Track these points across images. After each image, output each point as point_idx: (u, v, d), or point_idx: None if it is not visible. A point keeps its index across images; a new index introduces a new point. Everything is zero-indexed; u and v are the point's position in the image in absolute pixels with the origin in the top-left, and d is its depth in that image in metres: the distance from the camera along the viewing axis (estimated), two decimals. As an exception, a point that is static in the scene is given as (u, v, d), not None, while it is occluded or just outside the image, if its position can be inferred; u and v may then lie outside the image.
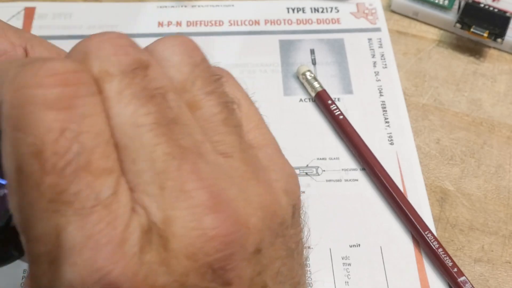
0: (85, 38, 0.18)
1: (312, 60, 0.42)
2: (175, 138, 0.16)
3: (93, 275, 0.15)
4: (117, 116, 0.16)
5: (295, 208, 0.20)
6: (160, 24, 0.43)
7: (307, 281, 0.21)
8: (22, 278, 0.32)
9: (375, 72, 0.41)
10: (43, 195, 0.15)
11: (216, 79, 0.19)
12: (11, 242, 0.18)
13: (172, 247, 0.15)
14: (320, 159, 0.37)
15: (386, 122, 0.39)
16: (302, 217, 0.21)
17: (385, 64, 0.41)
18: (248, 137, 0.20)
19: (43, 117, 0.15)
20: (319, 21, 0.44)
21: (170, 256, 0.15)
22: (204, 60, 0.19)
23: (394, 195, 0.34)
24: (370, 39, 0.43)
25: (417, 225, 0.33)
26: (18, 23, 0.42)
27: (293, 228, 0.19)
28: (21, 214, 0.16)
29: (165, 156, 0.16)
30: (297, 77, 0.40)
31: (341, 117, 0.37)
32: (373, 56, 0.42)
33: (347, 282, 0.32)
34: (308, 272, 0.21)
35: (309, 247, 0.21)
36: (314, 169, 0.36)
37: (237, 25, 0.44)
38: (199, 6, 0.45)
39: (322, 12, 0.44)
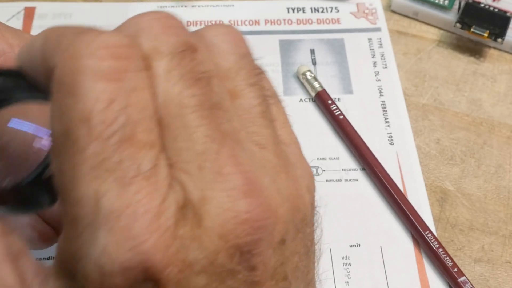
0: (137, 15, 0.18)
1: (312, 60, 0.42)
2: (217, 122, 0.17)
3: (127, 243, 0.15)
4: (163, 94, 0.17)
5: (313, 207, 0.21)
6: (160, 24, 0.43)
7: (316, 281, 0.21)
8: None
9: (375, 72, 0.41)
10: (87, 160, 0.15)
11: (258, 72, 0.20)
12: (45, 190, 0.19)
13: (205, 225, 0.16)
14: (320, 159, 0.37)
15: (386, 122, 0.39)
16: (316, 218, 0.21)
17: (385, 64, 0.41)
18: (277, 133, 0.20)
19: (93, 86, 0.16)
20: (319, 21, 0.44)
21: (203, 234, 0.16)
22: (249, 53, 0.20)
23: (394, 195, 0.34)
24: (370, 39, 0.43)
25: (417, 225, 0.33)
26: (18, 23, 0.42)
27: (310, 227, 0.20)
28: (62, 177, 0.16)
29: (206, 138, 0.17)
30: (297, 77, 0.40)
31: (341, 117, 0.37)
32: (373, 56, 0.42)
33: (347, 282, 0.32)
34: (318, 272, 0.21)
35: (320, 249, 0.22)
36: (314, 169, 0.36)
37: (237, 25, 0.44)
38: (199, 6, 0.45)
39: (322, 12, 0.44)
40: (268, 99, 0.20)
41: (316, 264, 0.21)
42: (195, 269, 0.16)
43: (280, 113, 0.21)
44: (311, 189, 0.20)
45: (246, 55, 0.20)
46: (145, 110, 0.16)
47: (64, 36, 0.17)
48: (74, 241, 0.16)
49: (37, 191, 0.20)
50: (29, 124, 0.21)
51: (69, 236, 0.16)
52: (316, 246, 0.21)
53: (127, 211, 0.15)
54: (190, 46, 0.18)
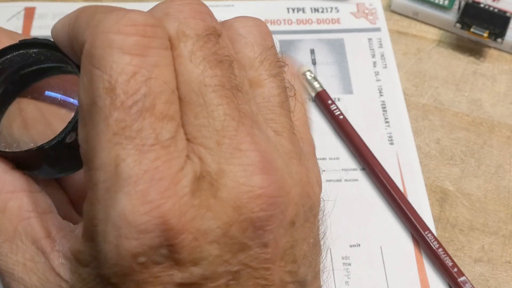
0: (168, 0, 0.19)
1: (312, 60, 0.42)
2: (236, 103, 0.18)
3: (144, 206, 0.16)
4: (187, 73, 0.18)
5: (320, 201, 0.21)
6: (160, 24, 0.43)
7: (321, 276, 0.22)
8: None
9: (375, 72, 0.41)
10: (110, 127, 0.17)
11: (281, 65, 0.21)
12: (69, 155, 0.21)
13: (221, 196, 0.17)
14: (320, 159, 0.37)
15: (386, 122, 0.39)
16: (321, 214, 0.22)
17: (385, 64, 0.41)
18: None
19: (119, 59, 0.17)
20: (319, 21, 0.44)
21: (218, 204, 0.17)
22: (274, 46, 0.21)
23: (394, 195, 0.34)
24: (370, 39, 0.43)
25: (417, 225, 0.33)
26: (18, 23, 0.42)
27: (317, 220, 0.21)
28: (87, 144, 0.17)
29: (225, 116, 0.17)
30: (297, 77, 0.40)
31: (341, 117, 0.37)
32: (373, 56, 0.42)
33: (347, 282, 0.32)
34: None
35: (326, 247, 0.22)
36: (314, 169, 0.36)
37: (237, 25, 0.44)
38: (199, 6, 0.45)
39: (322, 12, 0.44)
40: (288, 90, 0.21)
41: (322, 259, 0.21)
42: (208, 238, 0.17)
43: (297, 106, 0.22)
44: (320, 183, 0.21)
45: (271, 48, 0.21)
46: (167, 84, 0.17)
47: (95, 14, 0.18)
48: (95, 204, 0.17)
49: (61, 155, 0.21)
50: (60, 95, 0.23)
51: (91, 200, 0.17)
52: (321, 242, 0.21)
53: (145, 176, 0.16)
54: (215, 31, 0.19)
